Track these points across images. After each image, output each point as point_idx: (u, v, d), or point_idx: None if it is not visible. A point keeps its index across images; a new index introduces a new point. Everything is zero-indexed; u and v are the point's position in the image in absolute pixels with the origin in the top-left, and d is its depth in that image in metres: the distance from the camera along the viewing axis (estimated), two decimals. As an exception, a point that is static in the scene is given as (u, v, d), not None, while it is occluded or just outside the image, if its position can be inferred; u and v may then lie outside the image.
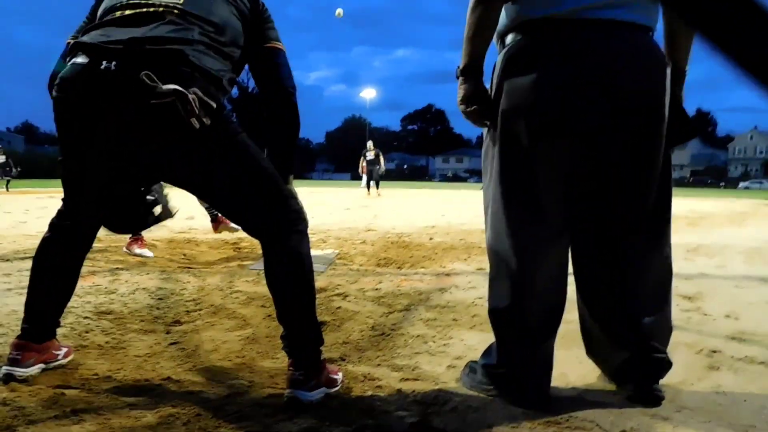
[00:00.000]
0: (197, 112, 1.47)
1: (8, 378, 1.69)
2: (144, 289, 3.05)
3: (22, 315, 2.41)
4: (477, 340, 2.23)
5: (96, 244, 4.73)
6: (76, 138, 1.63)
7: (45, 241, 1.83)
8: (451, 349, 2.11)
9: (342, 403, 1.58)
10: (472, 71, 1.60)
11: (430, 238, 5.76)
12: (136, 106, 1.48)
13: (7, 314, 2.48)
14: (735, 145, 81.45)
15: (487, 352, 1.76)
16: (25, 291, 2.16)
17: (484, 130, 1.69)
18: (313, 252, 4.48)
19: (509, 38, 1.60)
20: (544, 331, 1.63)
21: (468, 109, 1.62)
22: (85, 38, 1.59)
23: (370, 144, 19.02)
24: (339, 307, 2.71)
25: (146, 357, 1.97)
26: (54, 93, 1.60)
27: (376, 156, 18.95)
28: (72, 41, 1.75)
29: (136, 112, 1.50)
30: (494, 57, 1.64)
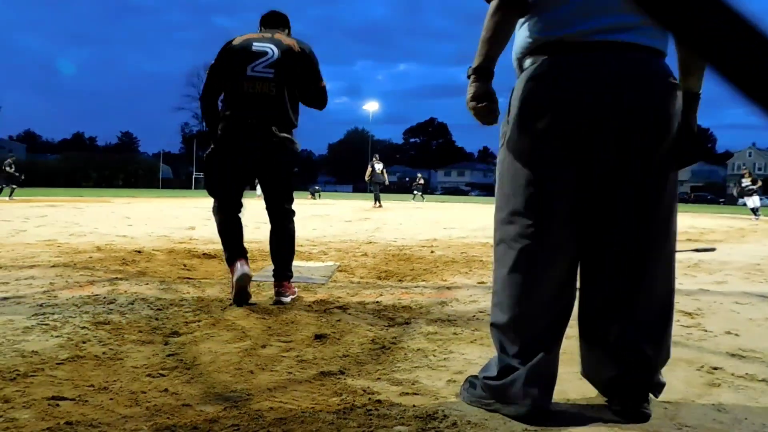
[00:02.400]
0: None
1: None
2: (143, 299, 3.04)
3: (19, 325, 2.42)
4: (478, 354, 2.21)
5: (95, 254, 4.75)
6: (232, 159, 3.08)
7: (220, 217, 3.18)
8: (452, 364, 2.10)
9: (341, 418, 1.57)
10: (484, 72, 1.66)
11: (431, 252, 5.75)
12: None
13: (3, 323, 2.46)
14: (734, 161, 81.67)
15: (487, 366, 1.76)
16: (22, 300, 2.16)
17: (500, 144, 1.72)
18: (314, 264, 4.56)
19: (527, 62, 1.66)
20: (546, 344, 1.62)
21: (478, 106, 1.65)
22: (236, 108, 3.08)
23: (376, 158, 19.29)
24: (339, 320, 2.70)
25: (143, 368, 1.96)
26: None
27: (383, 169, 19.21)
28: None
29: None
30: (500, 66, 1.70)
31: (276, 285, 3.09)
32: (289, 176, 3.18)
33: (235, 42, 3.11)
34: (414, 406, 1.67)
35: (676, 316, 2.01)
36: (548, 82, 1.57)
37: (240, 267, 2.97)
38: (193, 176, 57.30)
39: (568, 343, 1.75)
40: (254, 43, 3.08)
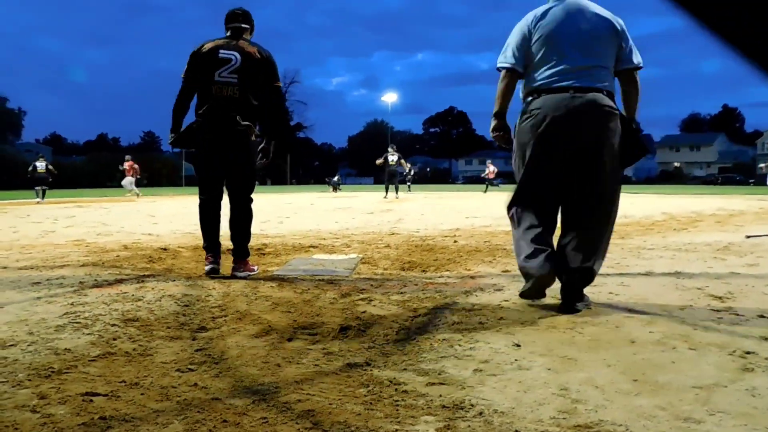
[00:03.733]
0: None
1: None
2: (170, 296, 3.08)
3: (52, 323, 2.47)
4: (504, 343, 2.20)
5: (122, 253, 4.83)
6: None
7: (201, 201, 3.73)
8: (477, 353, 2.09)
9: (368, 408, 1.57)
10: (500, 115, 2.90)
11: (455, 241, 5.73)
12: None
13: (36, 322, 2.53)
14: (764, 140, 79.52)
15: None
16: (54, 299, 2.20)
17: (514, 146, 2.88)
18: (337, 257, 4.60)
19: (526, 103, 2.79)
20: (545, 242, 2.72)
21: (496, 135, 2.94)
22: (208, 107, 3.57)
23: (392, 148, 19.07)
24: (364, 312, 2.71)
25: (173, 363, 1.99)
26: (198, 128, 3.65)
27: (399, 160, 19.03)
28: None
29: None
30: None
31: (234, 262, 3.73)
32: (250, 167, 3.71)
33: (204, 49, 3.59)
34: (441, 396, 1.66)
35: (706, 301, 2.92)
36: (537, 113, 2.70)
37: (207, 265, 3.66)
38: (216, 173, 57.76)
39: (594, 330, 1.72)
40: (220, 51, 3.55)
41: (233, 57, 3.55)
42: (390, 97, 61.61)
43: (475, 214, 10.32)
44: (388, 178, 19.06)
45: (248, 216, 3.77)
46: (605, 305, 2.83)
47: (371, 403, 1.61)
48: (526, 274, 2.74)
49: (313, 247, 5.32)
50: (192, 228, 7.43)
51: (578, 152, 2.64)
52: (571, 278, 2.68)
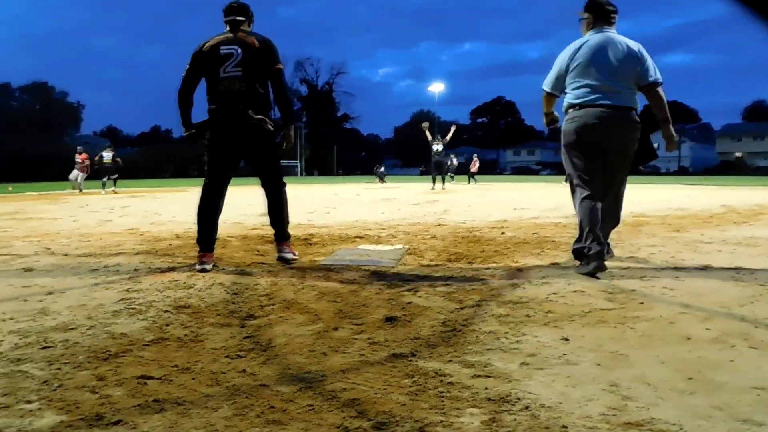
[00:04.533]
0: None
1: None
2: (220, 284, 3.16)
3: (109, 309, 2.57)
4: (552, 337, 2.16)
5: (174, 242, 4.97)
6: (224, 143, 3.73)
7: (204, 189, 3.77)
8: (524, 346, 2.06)
9: (413, 399, 1.57)
10: (547, 114, 3.95)
11: (502, 233, 5.65)
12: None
13: (95, 307, 2.64)
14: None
15: (577, 240, 3.62)
16: (111, 286, 2.28)
17: (561, 143, 3.79)
18: (383, 247, 4.63)
19: (569, 113, 3.66)
20: (594, 223, 3.46)
21: (548, 120, 4.01)
22: (218, 101, 3.74)
23: (438, 138, 18.73)
24: (409, 303, 2.70)
25: (222, 350, 2.04)
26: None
27: (445, 149, 18.70)
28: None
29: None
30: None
31: (276, 243, 3.96)
32: (273, 151, 3.85)
33: (205, 48, 3.68)
34: (486, 388, 1.65)
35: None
36: (575, 121, 3.59)
37: (198, 263, 3.58)
38: (264, 164, 58.79)
39: (647, 326, 1.67)
40: (221, 47, 3.65)
41: (234, 51, 3.63)
42: (437, 88, 61.01)
43: (523, 205, 10.15)
44: (435, 169, 18.78)
45: (283, 201, 3.93)
46: (658, 300, 2.74)
47: (416, 394, 1.61)
48: (585, 254, 3.46)
49: (359, 237, 5.35)
50: (240, 218, 7.59)
51: (605, 149, 3.58)
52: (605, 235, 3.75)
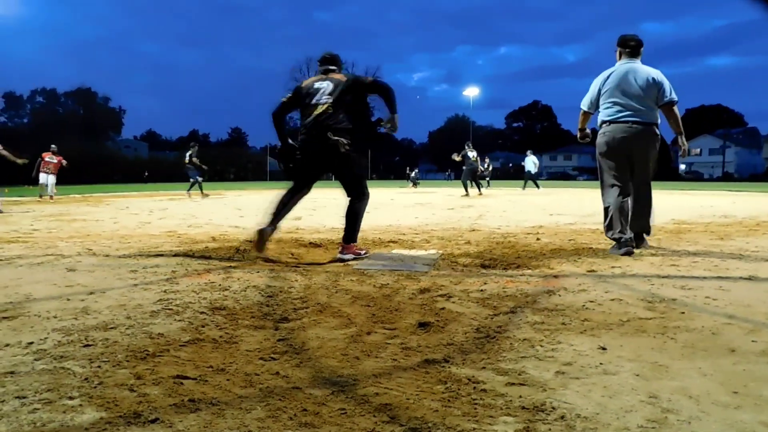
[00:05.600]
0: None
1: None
2: (254, 286, 3.19)
3: (147, 309, 2.63)
4: (589, 345, 2.11)
5: (211, 244, 5.05)
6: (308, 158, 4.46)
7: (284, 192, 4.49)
8: (560, 355, 2.02)
9: (445, 405, 1.56)
10: (582, 129, 5.05)
11: (537, 239, 5.57)
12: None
13: (134, 307, 2.70)
14: None
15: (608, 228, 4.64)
16: (149, 287, 2.31)
17: (597, 153, 4.79)
18: (417, 252, 4.65)
19: (601, 128, 4.69)
20: (624, 215, 4.52)
21: (582, 135, 5.10)
22: (307, 125, 4.42)
23: (468, 145, 18.53)
24: (443, 308, 2.69)
25: (256, 352, 2.05)
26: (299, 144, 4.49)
27: (476, 157, 18.58)
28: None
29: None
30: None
31: (342, 245, 4.38)
32: (349, 168, 4.44)
33: (304, 85, 4.57)
34: (521, 396, 1.62)
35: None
36: (607, 134, 4.63)
37: (259, 225, 4.36)
38: (299, 168, 59.45)
39: (689, 336, 1.61)
40: (315, 83, 4.48)
41: (325, 85, 4.42)
42: (472, 92, 60.75)
43: (559, 211, 10.00)
44: (470, 175, 18.64)
45: (355, 210, 4.44)
46: (701, 310, 2.65)
47: (449, 401, 1.59)
48: (617, 240, 4.51)
49: (393, 242, 5.35)
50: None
51: (630, 157, 4.61)
52: (638, 231, 4.71)
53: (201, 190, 17.38)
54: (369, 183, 4.63)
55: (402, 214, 9.31)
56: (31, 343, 2.13)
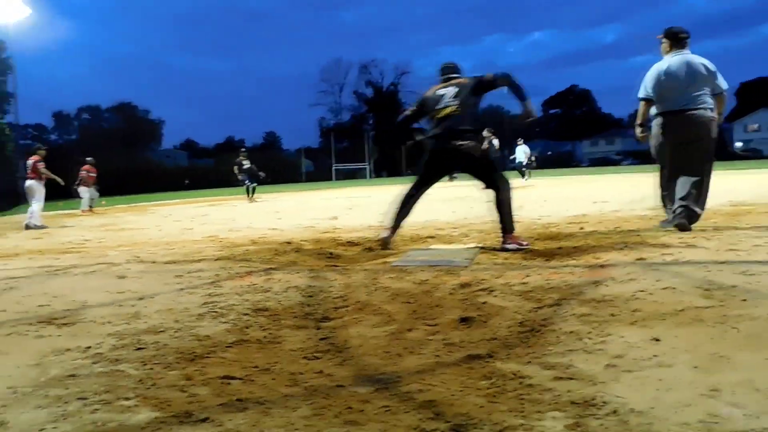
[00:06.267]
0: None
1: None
2: (295, 287, 3.22)
3: (193, 312, 2.67)
4: (639, 337, 2.04)
5: (251, 247, 5.12)
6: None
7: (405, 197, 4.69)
8: (610, 347, 1.95)
9: (491, 401, 1.53)
10: (642, 124, 5.12)
11: (581, 228, 5.45)
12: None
13: (181, 311, 2.76)
14: None
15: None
16: (194, 290, 2.34)
17: (653, 138, 5.06)
18: (456, 247, 4.62)
19: (658, 118, 4.96)
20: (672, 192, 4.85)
21: (641, 134, 5.19)
22: (437, 131, 4.55)
23: (488, 131, 17.97)
24: (485, 303, 2.65)
25: (300, 351, 2.07)
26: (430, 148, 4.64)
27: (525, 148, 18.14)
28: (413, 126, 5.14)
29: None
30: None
31: (502, 237, 4.44)
32: (486, 165, 4.57)
33: (427, 95, 4.73)
34: (569, 391, 1.58)
35: None
36: (663, 124, 4.91)
37: (383, 233, 4.62)
38: (333, 168, 59.78)
39: (753, 324, 1.54)
40: (438, 90, 4.66)
41: (449, 90, 4.58)
42: (505, 81, 59.85)
43: (603, 198, 9.76)
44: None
45: (502, 199, 4.46)
46: (765, 297, 2.48)
47: (494, 396, 1.57)
48: (674, 212, 4.79)
49: (431, 237, 5.31)
50: (312, 222, 7.73)
51: (688, 142, 4.77)
52: (687, 211, 4.70)
53: (249, 194, 17.26)
54: (404, 179, 4.65)
55: (439, 209, 9.24)
56: (89, 347, 2.21)
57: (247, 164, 17.28)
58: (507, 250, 4.24)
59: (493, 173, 4.55)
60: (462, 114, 4.46)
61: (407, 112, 4.81)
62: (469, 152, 4.41)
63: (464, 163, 4.54)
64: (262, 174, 17.92)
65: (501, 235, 4.43)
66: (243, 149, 18.75)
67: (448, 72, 4.81)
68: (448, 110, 4.45)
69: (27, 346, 2.28)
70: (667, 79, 4.79)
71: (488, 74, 4.63)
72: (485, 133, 17.83)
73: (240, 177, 17.37)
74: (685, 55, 4.82)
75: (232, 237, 6.34)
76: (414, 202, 4.72)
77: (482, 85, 4.58)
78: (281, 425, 1.44)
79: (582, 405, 1.48)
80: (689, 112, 4.70)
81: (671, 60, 4.83)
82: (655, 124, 4.96)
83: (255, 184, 17.45)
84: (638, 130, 5.17)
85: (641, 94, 4.97)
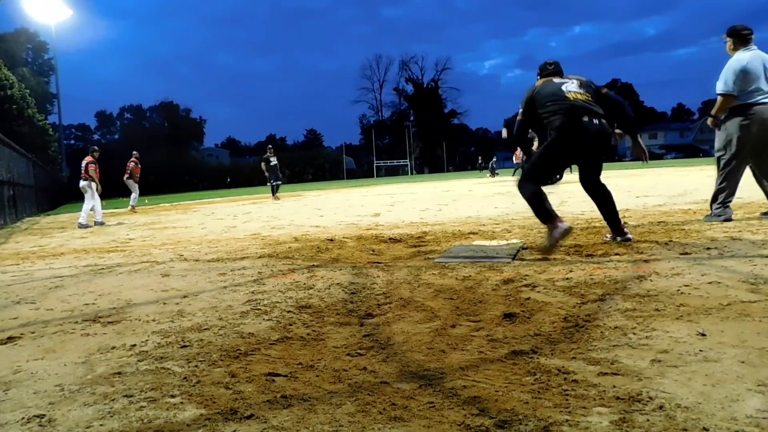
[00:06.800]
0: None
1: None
2: (338, 284, 3.26)
3: (237, 310, 2.74)
4: (686, 331, 2.00)
5: (293, 244, 5.19)
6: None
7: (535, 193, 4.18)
8: (655, 342, 1.92)
9: (536, 397, 1.53)
10: (717, 117, 5.17)
11: (625, 223, 5.32)
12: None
13: (225, 309, 2.82)
14: None
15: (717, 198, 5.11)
16: (238, 288, 2.38)
17: (727, 133, 5.10)
18: (498, 243, 4.56)
19: (743, 113, 4.92)
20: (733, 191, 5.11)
21: (713, 121, 5.22)
22: (576, 104, 4.12)
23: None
24: (528, 298, 2.63)
25: (343, 348, 2.09)
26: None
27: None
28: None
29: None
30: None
31: (613, 231, 4.28)
32: (609, 150, 4.35)
33: (535, 91, 4.31)
34: (614, 387, 1.56)
35: None
36: (749, 117, 4.91)
37: (561, 224, 3.87)
38: (374, 165, 59.92)
39: None
40: (554, 80, 4.33)
41: (567, 81, 4.29)
42: (546, 76, 58.86)
43: (646, 192, 9.52)
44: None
45: (609, 191, 4.37)
46: (813, 290, 2.43)
47: (539, 392, 1.56)
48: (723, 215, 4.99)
49: (473, 233, 5.29)
50: (355, 219, 7.78)
51: None
52: None
53: (273, 192, 17.33)
54: (446, 176, 4.53)
55: (481, 205, 9.18)
56: (134, 345, 2.29)
57: (274, 161, 17.21)
58: (629, 239, 4.15)
59: (602, 164, 4.42)
60: (594, 102, 4.18)
61: (520, 118, 4.48)
62: (606, 132, 4.12)
63: (598, 144, 4.13)
64: (281, 176, 17.88)
65: (611, 229, 4.29)
66: (270, 146, 18.56)
67: (557, 67, 4.59)
68: (581, 96, 4.14)
69: (74, 344, 2.37)
70: (747, 74, 4.85)
71: (603, 88, 4.40)
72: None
73: (267, 174, 17.31)
74: (756, 51, 4.97)
75: (274, 234, 6.44)
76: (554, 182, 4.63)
77: (599, 95, 4.31)
78: (326, 422, 1.47)
79: (628, 401, 1.46)
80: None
81: (751, 54, 4.93)
82: (741, 119, 4.91)
83: (279, 183, 17.44)
84: (710, 120, 5.24)
85: (722, 89, 4.98)
